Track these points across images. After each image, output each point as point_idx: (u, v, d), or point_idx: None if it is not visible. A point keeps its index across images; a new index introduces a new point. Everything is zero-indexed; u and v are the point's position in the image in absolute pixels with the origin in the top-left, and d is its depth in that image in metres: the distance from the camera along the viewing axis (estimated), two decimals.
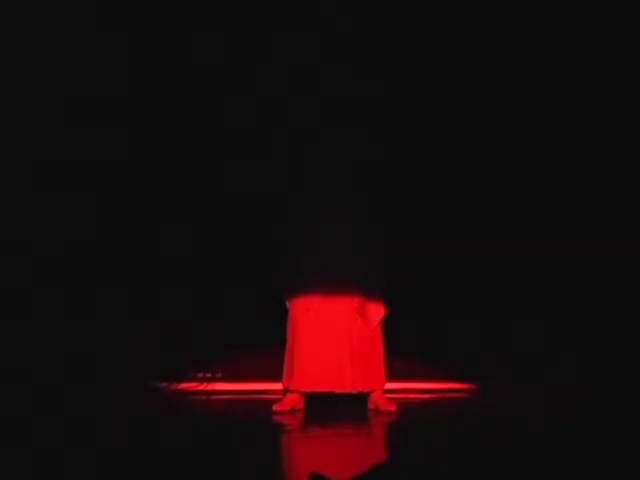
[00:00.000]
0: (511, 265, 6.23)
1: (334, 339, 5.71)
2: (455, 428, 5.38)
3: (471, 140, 6.28)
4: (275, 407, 5.75)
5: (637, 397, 5.72)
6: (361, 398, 5.79)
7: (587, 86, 6.21)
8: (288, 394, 5.78)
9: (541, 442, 4.86)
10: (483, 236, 6.27)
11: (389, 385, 5.89)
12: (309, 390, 5.74)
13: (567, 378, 5.98)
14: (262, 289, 6.08)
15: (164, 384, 6.18)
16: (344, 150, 5.86)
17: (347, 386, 5.69)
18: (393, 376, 5.92)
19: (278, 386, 5.87)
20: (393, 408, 5.76)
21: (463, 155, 6.29)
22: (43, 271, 6.02)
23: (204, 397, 6.15)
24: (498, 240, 6.25)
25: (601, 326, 6.11)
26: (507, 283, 6.24)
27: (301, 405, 5.77)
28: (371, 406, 5.78)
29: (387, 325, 5.82)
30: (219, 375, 6.27)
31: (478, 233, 6.28)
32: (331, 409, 5.73)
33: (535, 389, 5.97)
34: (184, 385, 6.20)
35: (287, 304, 5.80)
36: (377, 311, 5.77)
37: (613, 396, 5.76)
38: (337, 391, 5.71)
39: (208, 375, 6.25)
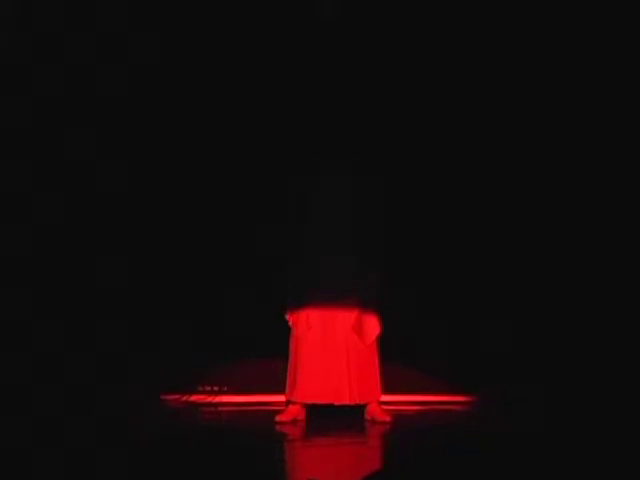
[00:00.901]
0: (504, 276, 6.21)
1: (333, 354, 5.78)
2: (446, 437, 5.44)
3: (460, 169, 6.25)
4: (278, 418, 5.85)
5: (634, 410, 5.67)
6: (358, 409, 5.87)
7: (579, 87, 6.10)
8: (290, 405, 5.87)
9: (536, 451, 4.83)
10: (477, 251, 6.25)
11: (385, 397, 5.96)
12: (310, 402, 5.83)
13: (567, 385, 5.96)
14: (265, 309, 6.10)
15: (175, 396, 6.22)
16: (344, 181, 5.92)
17: (345, 398, 5.78)
18: (388, 388, 5.98)
19: (281, 398, 5.94)
20: (388, 419, 5.85)
21: (451, 184, 6.27)
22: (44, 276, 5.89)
23: (212, 408, 6.18)
24: (492, 254, 6.22)
25: (597, 338, 6.02)
26: (501, 294, 6.21)
27: (302, 416, 5.86)
28: (368, 417, 5.87)
29: (382, 339, 5.90)
30: (226, 388, 6.30)
31: (473, 248, 6.26)
32: (330, 420, 5.81)
33: (532, 398, 5.94)
34: (194, 397, 6.23)
35: (290, 322, 5.88)
36: (373, 328, 5.85)
37: (610, 411, 5.68)
38: (336, 403, 5.80)
39: (216, 388, 6.28)
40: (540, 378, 6.06)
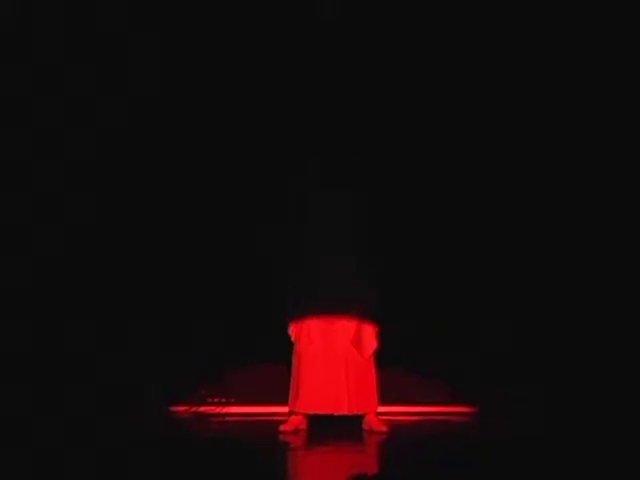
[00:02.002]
0: (504, 276, 6.23)
1: (333, 367, 5.94)
2: (443, 446, 5.58)
3: (457, 181, 6.30)
4: (281, 427, 6.00)
5: (634, 410, 5.71)
6: (357, 419, 6.01)
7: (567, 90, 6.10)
8: (293, 416, 6.02)
9: (536, 460, 4.87)
10: (476, 252, 6.29)
11: (382, 408, 6.11)
12: (311, 412, 5.98)
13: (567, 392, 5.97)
14: (265, 325, 6.23)
15: (183, 407, 6.36)
16: (345, 196, 6.06)
17: (344, 409, 5.93)
18: (387, 396, 6.14)
19: (284, 409, 6.07)
20: (385, 429, 6.00)
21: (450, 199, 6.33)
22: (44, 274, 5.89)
23: (219, 419, 6.33)
24: (491, 255, 6.26)
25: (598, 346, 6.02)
26: (501, 294, 6.23)
27: (304, 426, 6.01)
28: (365, 427, 6.02)
29: (383, 342, 6.04)
30: (232, 399, 6.45)
31: (473, 249, 6.30)
32: (330, 429, 5.95)
33: (532, 399, 5.98)
34: (201, 408, 6.36)
35: (292, 337, 6.06)
36: (371, 343, 6.01)
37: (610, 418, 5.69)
38: (336, 413, 5.95)
39: (223, 399, 6.43)
40: (540, 378, 6.11)
